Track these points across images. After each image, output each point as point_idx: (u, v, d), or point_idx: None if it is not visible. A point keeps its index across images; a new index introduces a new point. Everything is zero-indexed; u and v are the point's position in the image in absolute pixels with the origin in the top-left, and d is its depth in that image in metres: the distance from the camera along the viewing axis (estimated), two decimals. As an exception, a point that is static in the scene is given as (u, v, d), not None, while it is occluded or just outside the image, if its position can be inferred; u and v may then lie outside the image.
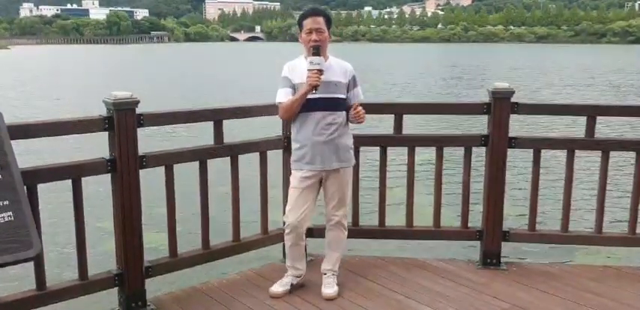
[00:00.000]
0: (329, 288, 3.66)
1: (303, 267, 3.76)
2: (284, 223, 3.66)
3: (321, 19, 3.45)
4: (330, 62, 3.50)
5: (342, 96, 3.52)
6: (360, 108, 3.45)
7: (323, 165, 3.50)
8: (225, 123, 3.81)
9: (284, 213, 3.68)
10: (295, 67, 3.50)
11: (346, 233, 3.75)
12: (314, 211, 3.65)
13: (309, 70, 3.34)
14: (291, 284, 3.69)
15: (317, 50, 3.37)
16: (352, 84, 3.58)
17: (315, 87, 3.33)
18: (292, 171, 3.59)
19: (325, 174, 3.55)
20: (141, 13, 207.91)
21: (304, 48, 3.48)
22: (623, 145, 4.19)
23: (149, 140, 12.14)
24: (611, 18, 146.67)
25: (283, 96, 3.45)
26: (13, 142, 2.83)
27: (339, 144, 3.51)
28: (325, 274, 3.75)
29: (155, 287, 3.78)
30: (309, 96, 3.37)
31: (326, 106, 3.44)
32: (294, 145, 3.57)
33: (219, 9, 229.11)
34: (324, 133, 3.45)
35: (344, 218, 3.69)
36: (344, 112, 3.52)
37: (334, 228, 3.69)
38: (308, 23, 3.43)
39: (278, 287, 3.67)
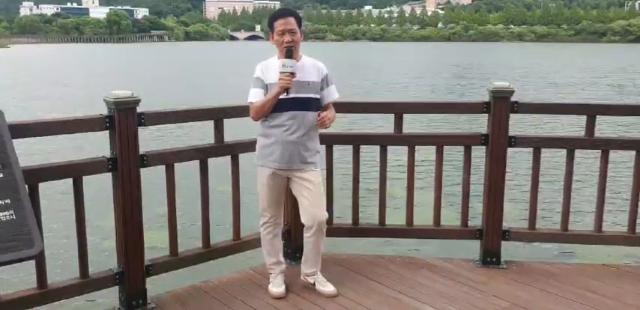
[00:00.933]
0: (327, 286, 3.67)
1: (284, 260, 3.80)
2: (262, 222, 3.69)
3: (292, 20, 3.44)
4: (302, 62, 3.49)
5: (315, 96, 3.51)
6: (325, 115, 3.45)
7: (290, 165, 3.48)
8: (226, 122, 3.82)
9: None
10: (268, 67, 3.49)
11: (325, 233, 3.64)
12: (284, 203, 3.73)
13: (281, 72, 3.33)
14: (285, 282, 3.71)
15: (290, 53, 3.36)
16: (325, 83, 3.57)
17: (286, 90, 3.33)
18: (258, 167, 3.58)
19: (291, 174, 3.53)
20: (141, 12, 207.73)
21: (277, 48, 3.48)
22: (622, 144, 4.20)
23: (150, 139, 12.16)
24: (612, 17, 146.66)
25: (255, 97, 3.45)
26: (14, 141, 2.84)
27: (307, 145, 3.50)
28: (310, 275, 3.73)
29: (156, 286, 3.78)
30: (281, 96, 3.36)
31: (298, 106, 3.43)
32: (262, 141, 3.54)
33: (219, 8, 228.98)
34: (294, 133, 3.43)
35: (324, 222, 3.57)
36: (316, 112, 3.52)
37: (314, 235, 3.57)
38: (280, 24, 3.42)
39: (277, 289, 3.66)
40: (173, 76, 36.78)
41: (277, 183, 3.57)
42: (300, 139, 3.45)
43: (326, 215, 3.60)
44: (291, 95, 3.37)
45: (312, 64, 3.56)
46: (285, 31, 3.41)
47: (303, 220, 3.60)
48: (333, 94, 3.61)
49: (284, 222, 4.18)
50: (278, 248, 3.75)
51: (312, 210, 3.53)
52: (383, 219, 4.28)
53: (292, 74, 3.33)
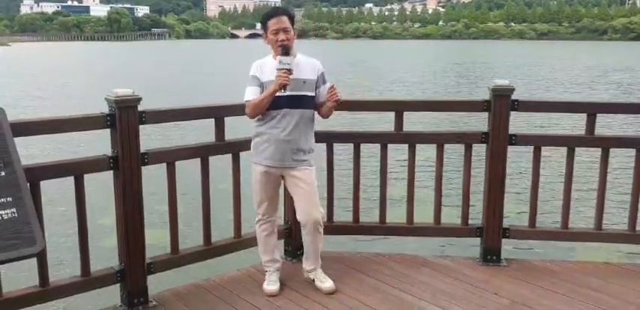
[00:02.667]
0: (326, 282, 3.69)
1: (279, 257, 3.81)
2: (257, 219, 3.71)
3: (285, 19, 3.45)
4: (298, 60, 3.49)
5: (310, 93, 3.52)
6: (335, 87, 3.45)
7: (282, 162, 3.50)
8: (227, 120, 3.82)
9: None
10: (264, 65, 3.50)
11: (322, 231, 3.66)
12: (279, 200, 3.75)
13: (278, 69, 3.33)
14: (280, 280, 3.73)
15: (286, 50, 3.37)
16: (321, 80, 3.58)
17: (283, 87, 3.34)
18: (252, 164, 3.60)
19: (285, 172, 3.54)
20: (141, 10, 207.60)
21: (271, 48, 3.49)
22: (623, 142, 4.20)
23: (151, 137, 12.16)
24: (613, 15, 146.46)
25: (251, 95, 3.46)
26: (15, 139, 2.84)
27: (301, 143, 3.51)
28: (311, 272, 3.76)
29: (157, 284, 3.79)
30: (277, 93, 3.37)
31: (292, 104, 3.44)
32: (256, 139, 3.56)
33: (220, 6, 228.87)
34: (288, 131, 3.44)
35: (319, 221, 3.59)
36: (311, 110, 3.54)
37: (311, 233, 3.61)
38: (273, 23, 3.43)
39: (271, 286, 3.67)
40: (174, 74, 36.76)
41: (271, 181, 3.58)
42: (294, 137, 3.46)
43: (321, 213, 3.62)
44: (287, 93, 3.38)
45: (308, 61, 3.56)
46: (279, 30, 3.42)
47: (298, 218, 3.65)
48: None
49: (285, 219, 4.20)
50: (273, 246, 3.77)
51: (306, 208, 3.56)
52: (383, 217, 4.28)
53: (289, 71, 3.33)
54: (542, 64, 46.44)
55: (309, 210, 3.56)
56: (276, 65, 3.36)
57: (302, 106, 3.48)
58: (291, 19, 3.50)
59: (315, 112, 3.61)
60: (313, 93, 3.53)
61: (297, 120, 3.46)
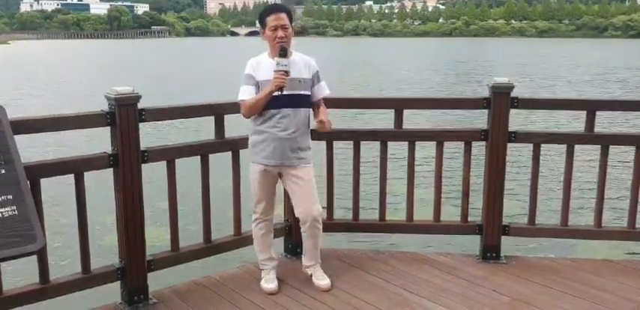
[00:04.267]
0: (322, 280, 3.70)
1: (276, 256, 3.83)
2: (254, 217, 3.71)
3: (284, 16, 3.43)
4: (294, 58, 3.49)
5: (306, 92, 3.52)
6: (326, 121, 3.46)
7: (282, 161, 3.50)
8: (227, 117, 3.83)
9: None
10: (259, 63, 3.49)
11: (321, 227, 3.67)
12: (277, 198, 3.77)
13: (275, 71, 3.33)
14: (277, 277, 3.73)
15: (284, 51, 3.36)
16: (316, 79, 3.58)
17: (280, 89, 3.33)
18: (251, 164, 3.59)
19: (283, 170, 3.55)
20: (141, 8, 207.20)
21: (268, 44, 3.48)
22: (622, 140, 4.21)
23: (151, 135, 12.16)
24: (613, 12, 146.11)
25: (246, 94, 3.45)
26: (15, 137, 2.85)
27: (299, 141, 3.51)
28: (309, 268, 3.78)
29: (157, 281, 3.80)
30: (274, 94, 3.37)
31: (289, 103, 3.43)
32: (253, 138, 3.55)
33: (220, 4, 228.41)
34: (285, 130, 3.44)
35: (317, 217, 3.60)
36: (308, 109, 3.55)
37: (309, 229, 3.63)
38: (272, 20, 3.42)
39: (270, 285, 3.67)
40: (174, 72, 36.74)
41: (269, 180, 3.59)
42: (291, 136, 3.46)
43: (319, 210, 3.62)
44: (284, 92, 3.37)
45: (303, 60, 3.55)
46: (277, 27, 3.41)
47: (297, 215, 3.66)
48: (323, 90, 3.64)
49: (285, 217, 4.20)
50: (269, 244, 3.77)
51: (304, 205, 3.57)
52: (383, 214, 4.29)
53: (287, 73, 3.33)
54: (542, 62, 46.38)
55: (308, 206, 3.57)
56: (274, 66, 3.35)
57: (299, 105, 3.48)
58: (290, 16, 3.49)
59: (310, 110, 3.61)
60: (309, 92, 3.54)
61: (295, 118, 3.47)
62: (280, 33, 3.40)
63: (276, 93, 3.36)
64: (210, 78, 31.08)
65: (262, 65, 3.47)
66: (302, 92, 3.48)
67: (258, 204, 3.67)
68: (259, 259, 3.78)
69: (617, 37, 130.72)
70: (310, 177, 3.57)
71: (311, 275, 3.76)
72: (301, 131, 3.51)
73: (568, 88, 26.08)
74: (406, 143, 4.18)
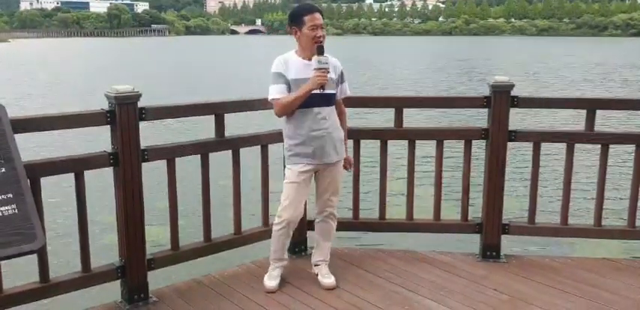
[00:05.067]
0: (328, 278, 3.71)
1: (287, 257, 3.84)
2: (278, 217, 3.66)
3: (320, 15, 3.46)
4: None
5: (334, 91, 3.56)
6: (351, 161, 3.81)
7: (322, 159, 3.52)
8: (227, 116, 3.82)
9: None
10: (288, 61, 3.48)
11: (336, 220, 3.79)
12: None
13: (316, 68, 3.34)
14: (281, 276, 3.74)
15: (322, 49, 3.38)
16: (340, 79, 3.61)
17: (322, 86, 3.36)
18: (289, 166, 3.58)
19: (322, 167, 3.58)
20: (141, 6, 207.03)
21: (301, 42, 3.47)
22: (622, 138, 4.20)
23: (151, 133, 12.16)
24: (613, 10, 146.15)
25: (278, 93, 3.43)
26: (16, 136, 2.85)
27: (335, 137, 3.55)
28: (318, 265, 3.80)
29: (157, 280, 3.80)
30: (314, 91, 3.38)
31: (321, 102, 3.46)
32: (290, 141, 3.55)
33: (220, 2, 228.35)
34: (321, 128, 3.47)
35: (335, 208, 3.75)
36: (334, 107, 3.58)
37: (327, 219, 3.75)
38: (311, 19, 3.42)
39: (271, 282, 3.68)
40: (174, 70, 36.72)
41: (306, 181, 3.58)
42: (329, 133, 3.51)
43: (338, 201, 3.71)
44: (316, 91, 3.39)
45: (331, 61, 3.54)
46: (317, 26, 3.42)
47: (317, 205, 3.71)
48: (346, 91, 3.68)
49: None
50: (285, 247, 3.76)
51: (328, 196, 3.67)
52: (383, 213, 4.29)
53: (327, 70, 3.37)
54: (542, 60, 46.35)
55: (333, 197, 3.68)
56: (308, 65, 3.39)
57: (331, 103, 3.54)
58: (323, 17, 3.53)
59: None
60: (335, 91, 3.57)
61: (332, 116, 3.53)
62: (320, 32, 3.42)
63: (316, 91, 3.37)
64: (210, 78, 31.06)
65: (292, 64, 3.47)
66: (331, 91, 3.51)
67: (288, 209, 3.57)
68: (271, 257, 3.78)
69: (617, 36, 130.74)
70: (342, 170, 3.70)
71: (317, 274, 3.76)
72: (334, 127, 3.56)
73: (568, 87, 26.06)
74: (406, 142, 4.19)
